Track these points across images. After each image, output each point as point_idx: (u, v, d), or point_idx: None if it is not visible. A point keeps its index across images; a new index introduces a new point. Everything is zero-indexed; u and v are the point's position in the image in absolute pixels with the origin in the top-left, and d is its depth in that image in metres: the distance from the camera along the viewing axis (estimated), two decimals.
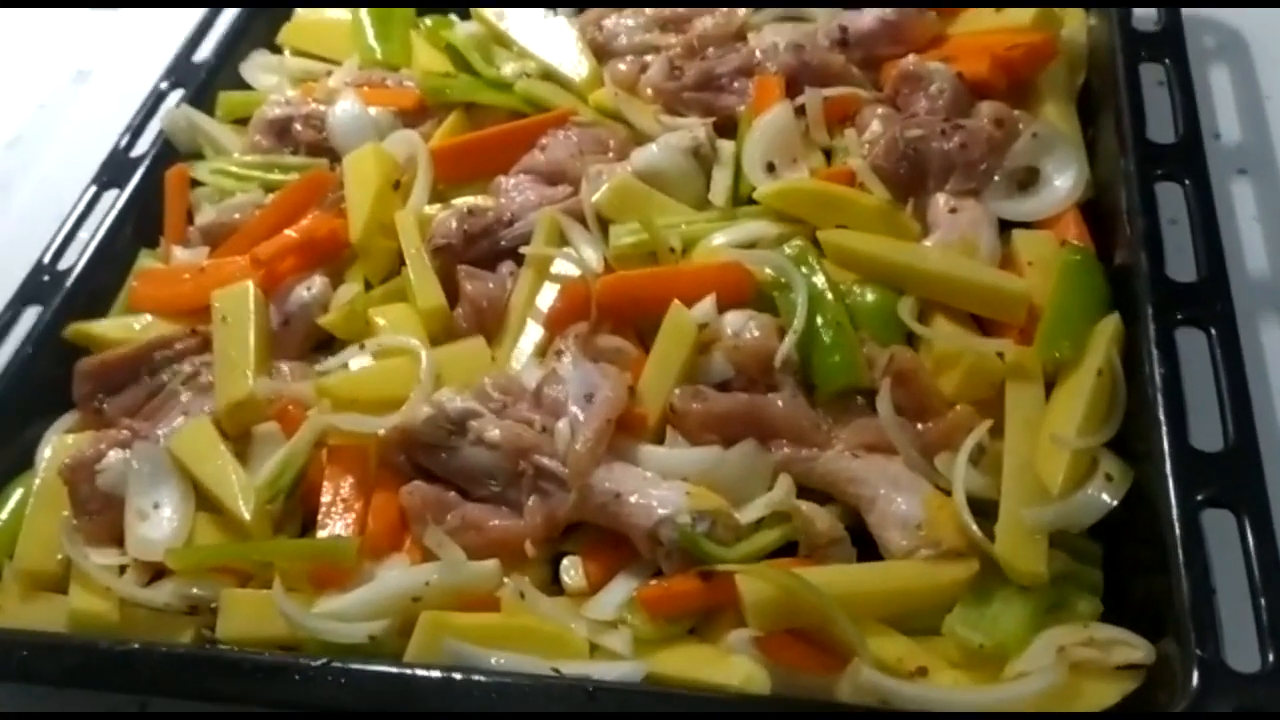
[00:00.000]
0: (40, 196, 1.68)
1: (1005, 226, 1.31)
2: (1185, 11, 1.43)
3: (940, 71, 1.41)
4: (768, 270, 1.26)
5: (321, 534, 1.17)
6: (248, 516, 1.17)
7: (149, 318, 1.43)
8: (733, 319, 1.23)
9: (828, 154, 1.44)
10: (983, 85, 1.41)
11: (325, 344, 1.39)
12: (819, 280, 1.24)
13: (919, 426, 1.15)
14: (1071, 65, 1.47)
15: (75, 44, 2.10)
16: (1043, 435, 1.09)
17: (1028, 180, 1.34)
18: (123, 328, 1.43)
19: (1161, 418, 1.03)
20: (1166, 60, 1.37)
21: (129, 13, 2.11)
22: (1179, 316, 1.12)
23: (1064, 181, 1.31)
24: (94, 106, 1.95)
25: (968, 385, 1.16)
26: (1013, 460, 1.09)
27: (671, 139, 1.44)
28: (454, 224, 1.40)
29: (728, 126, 1.48)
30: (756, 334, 1.21)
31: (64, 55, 2.07)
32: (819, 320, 1.20)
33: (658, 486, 1.11)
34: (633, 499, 1.10)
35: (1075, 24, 1.49)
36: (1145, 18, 1.42)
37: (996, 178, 1.32)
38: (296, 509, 1.23)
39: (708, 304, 1.23)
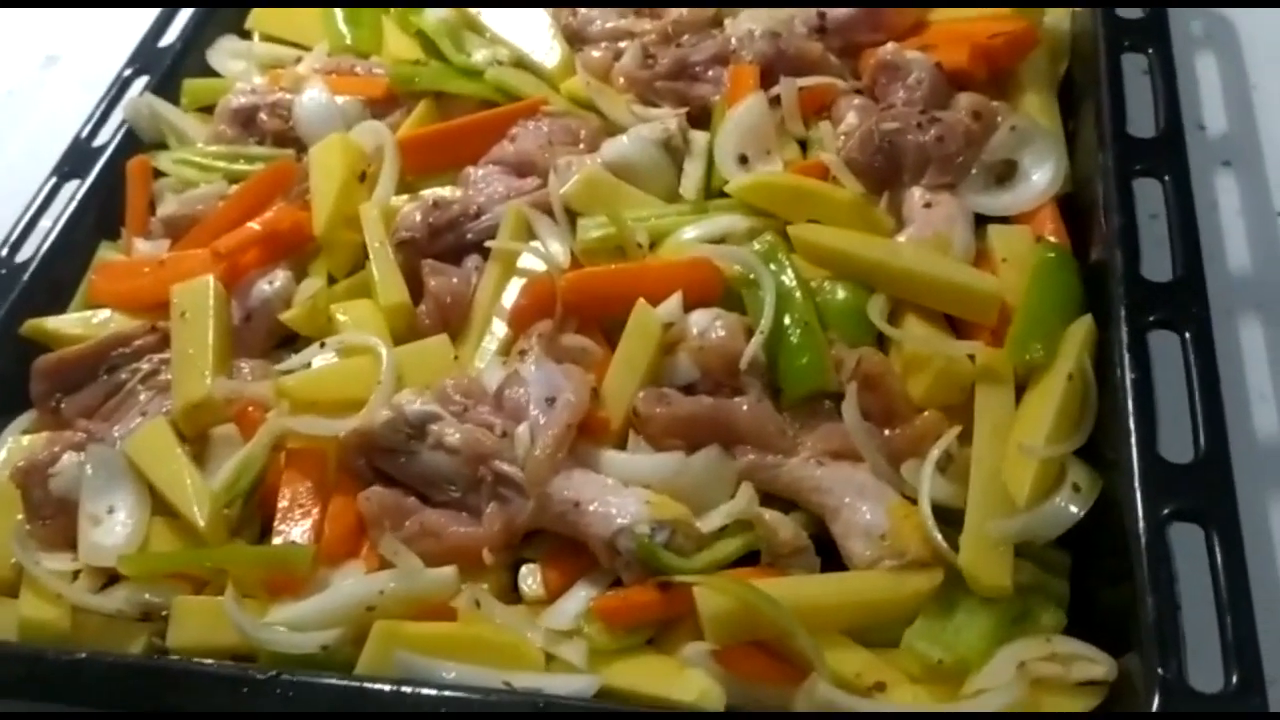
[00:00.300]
0: (5, 187, 1.64)
1: (982, 221, 1.28)
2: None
3: (919, 61, 1.38)
4: (736, 267, 1.23)
5: (278, 540, 1.15)
6: (202, 522, 1.15)
7: (108, 312, 1.40)
8: (698, 318, 1.20)
9: (803, 145, 1.41)
10: (962, 75, 1.38)
11: (289, 340, 1.36)
12: (788, 278, 1.21)
13: (886, 432, 1.12)
14: (1054, 54, 1.44)
15: (44, 28, 2.06)
16: (1011, 443, 1.07)
17: (1005, 174, 1.31)
18: (80, 323, 1.39)
19: (1131, 427, 1.01)
20: (1150, 50, 1.33)
21: None
22: (1152, 319, 1.08)
23: (1041, 176, 1.28)
24: (62, 93, 1.91)
25: (937, 389, 1.14)
26: (980, 469, 1.06)
27: (643, 130, 1.40)
28: (418, 217, 1.37)
29: (702, 116, 1.45)
30: (722, 334, 1.18)
31: (33, 40, 2.03)
32: (787, 320, 1.17)
33: (618, 494, 1.09)
34: (592, 507, 1.08)
35: (1058, 11, 1.45)
36: None
37: (974, 171, 1.30)
38: (255, 513, 1.21)
39: (673, 302, 1.20)
